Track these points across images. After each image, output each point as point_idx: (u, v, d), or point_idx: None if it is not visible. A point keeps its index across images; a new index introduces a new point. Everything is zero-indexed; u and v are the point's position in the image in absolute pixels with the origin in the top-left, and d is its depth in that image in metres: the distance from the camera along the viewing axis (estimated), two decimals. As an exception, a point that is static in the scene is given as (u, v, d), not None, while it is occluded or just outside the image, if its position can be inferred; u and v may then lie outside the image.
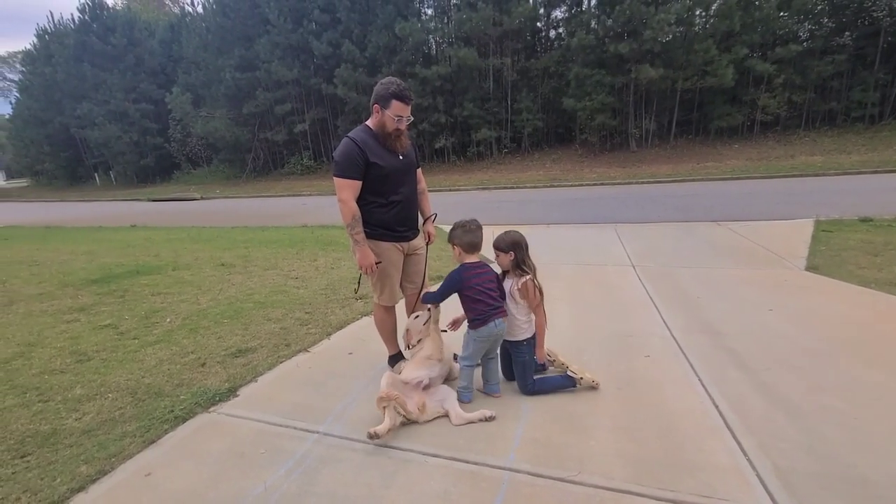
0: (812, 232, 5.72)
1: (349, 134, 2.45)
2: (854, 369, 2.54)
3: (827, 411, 2.17)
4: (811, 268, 4.43)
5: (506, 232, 2.48)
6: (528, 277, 2.37)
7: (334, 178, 2.42)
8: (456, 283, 2.36)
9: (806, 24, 17.21)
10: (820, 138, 16.50)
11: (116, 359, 3.24)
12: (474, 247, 2.39)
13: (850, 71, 16.76)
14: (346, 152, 2.38)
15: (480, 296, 2.33)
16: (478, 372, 2.54)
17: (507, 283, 2.45)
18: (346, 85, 20.92)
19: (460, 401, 2.37)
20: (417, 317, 2.61)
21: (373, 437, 2.07)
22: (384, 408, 2.19)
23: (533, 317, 2.47)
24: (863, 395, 2.28)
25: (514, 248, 2.39)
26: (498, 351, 2.52)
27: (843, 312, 3.35)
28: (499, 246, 2.44)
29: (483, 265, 2.41)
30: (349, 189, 2.41)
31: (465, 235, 2.37)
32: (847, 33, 16.64)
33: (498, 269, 2.53)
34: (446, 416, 2.29)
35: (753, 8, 15.91)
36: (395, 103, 2.36)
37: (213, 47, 24.47)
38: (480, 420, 2.15)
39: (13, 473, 2.05)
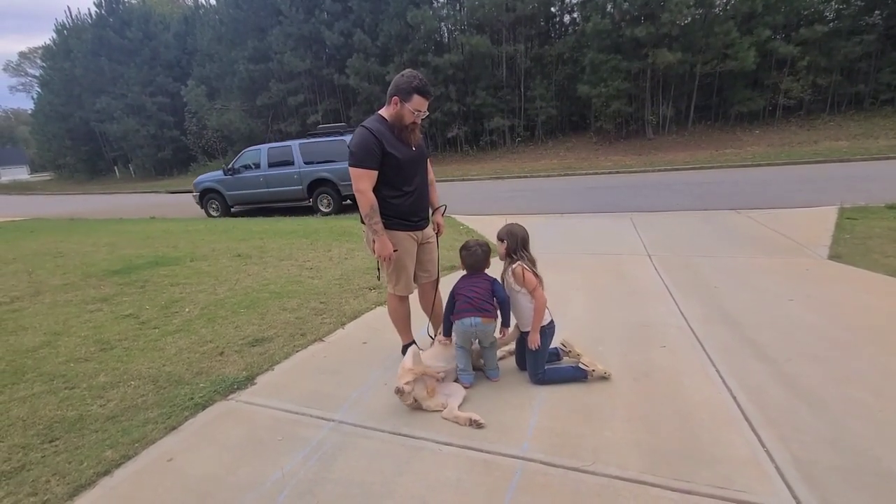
0: (836, 219, 5.55)
1: (364, 123, 2.44)
2: (880, 360, 2.46)
3: (851, 403, 2.12)
4: (834, 256, 4.30)
5: (507, 223, 2.60)
6: (517, 263, 2.46)
7: (350, 168, 2.40)
8: (451, 291, 2.57)
9: (832, 2, 16.49)
10: (845, 123, 15.93)
11: (138, 347, 3.33)
12: (472, 267, 2.55)
13: (879, 52, 16.07)
14: (363, 142, 2.37)
15: (459, 295, 2.49)
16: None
17: (507, 274, 2.54)
18: (359, 75, 20.86)
19: (461, 382, 2.48)
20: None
21: (399, 391, 2.19)
22: (406, 383, 2.22)
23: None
24: (890, 387, 2.22)
25: (507, 237, 2.52)
26: (495, 342, 2.59)
27: (869, 302, 3.25)
28: (498, 235, 2.59)
29: (480, 275, 2.55)
30: (367, 178, 2.39)
31: (469, 258, 2.55)
32: (877, 12, 15.92)
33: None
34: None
35: (777, -13, 15.35)
36: (416, 98, 2.36)
37: (227, 39, 24.60)
38: (466, 423, 2.14)
39: (42, 457, 2.13)
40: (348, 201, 10.34)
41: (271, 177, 10.55)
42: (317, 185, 10.16)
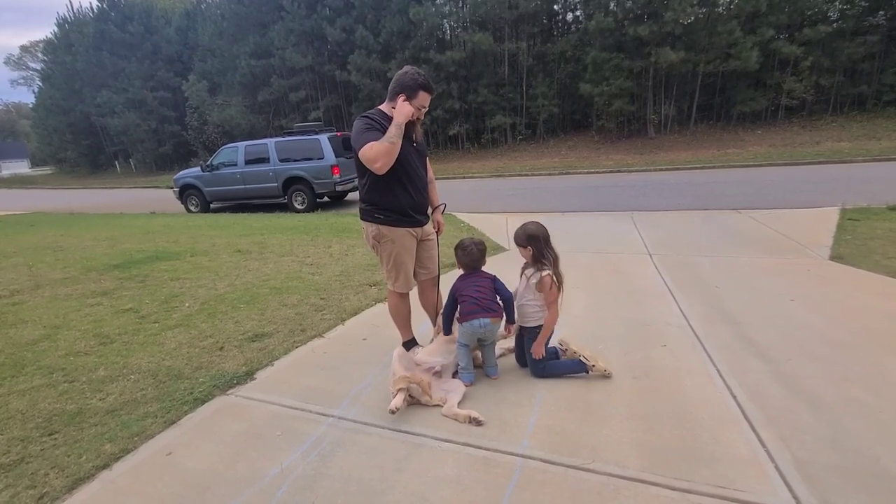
0: (837, 220, 5.53)
1: (363, 113, 2.44)
2: (881, 361, 2.46)
3: (851, 403, 2.12)
4: (836, 257, 4.29)
5: (523, 225, 2.51)
6: (547, 272, 2.39)
7: (359, 155, 2.31)
8: (451, 291, 2.55)
9: (836, 2, 16.42)
10: (848, 123, 15.88)
11: (138, 342, 3.32)
12: (469, 266, 2.55)
13: (882, 52, 16.01)
14: (361, 126, 2.35)
15: (465, 295, 2.47)
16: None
17: (528, 273, 2.48)
18: (360, 71, 20.80)
19: (462, 380, 2.45)
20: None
21: (394, 412, 2.17)
22: (399, 389, 2.22)
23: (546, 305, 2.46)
24: (889, 388, 2.22)
25: (530, 241, 2.44)
26: (495, 339, 2.58)
27: (870, 303, 3.24)
28: (517, 242, 2.51)
29: (479, 273, 2.54)
30: (373, 145, 2.27)
31: (466, 257, 2.54)
32: (881, 12, 15.85)
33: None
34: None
35: (781, -13, 15.28)
36: (421, 94, 2.39)
37: (228, 34, 24.53)
38: (466, 420, 2.14)
39: (42, 450, 2.13)
40: (325, 199, 10.52)
41: (248, 174, 10.73)
42: (291, 183, 10.32)
